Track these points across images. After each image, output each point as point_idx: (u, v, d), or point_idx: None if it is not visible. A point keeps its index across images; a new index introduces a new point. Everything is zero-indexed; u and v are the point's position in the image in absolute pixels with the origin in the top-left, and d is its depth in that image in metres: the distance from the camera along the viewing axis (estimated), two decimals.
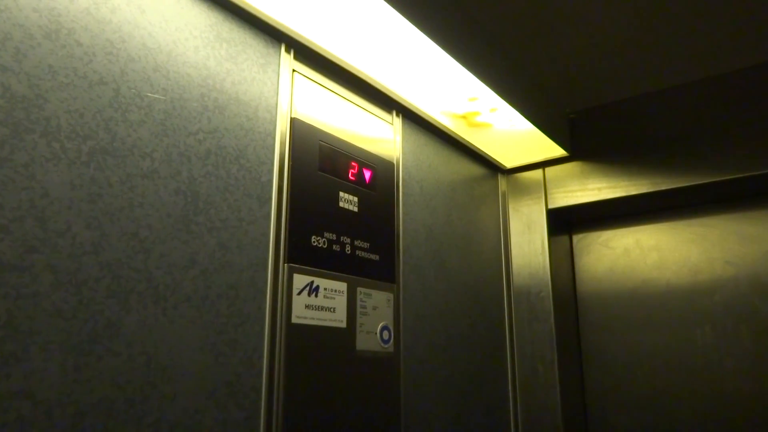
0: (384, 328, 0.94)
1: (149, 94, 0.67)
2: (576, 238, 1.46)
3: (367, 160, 0.97)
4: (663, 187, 1.21)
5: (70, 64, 0.60)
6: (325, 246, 0.86)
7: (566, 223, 1.45)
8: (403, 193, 1.05)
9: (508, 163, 1.39)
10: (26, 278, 0.53)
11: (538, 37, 1.08)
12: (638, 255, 1.37)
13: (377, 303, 0.94)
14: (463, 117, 1.14)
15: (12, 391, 0.51)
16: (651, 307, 1.33)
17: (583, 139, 1.34)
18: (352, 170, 0.94)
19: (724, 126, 1.17)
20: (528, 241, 1.35)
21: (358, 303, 0.90)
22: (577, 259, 1.45)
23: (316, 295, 0.83)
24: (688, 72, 1.20)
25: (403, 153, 1.08)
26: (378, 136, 1.02)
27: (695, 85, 1.23)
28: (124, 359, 0.60)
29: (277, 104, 0.83)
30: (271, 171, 0.81)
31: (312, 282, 0.83)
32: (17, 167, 0.54)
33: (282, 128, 0.83)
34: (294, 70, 0.87)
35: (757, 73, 1.16)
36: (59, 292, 0.56)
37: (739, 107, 1.16)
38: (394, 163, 1.04)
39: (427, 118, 1.13)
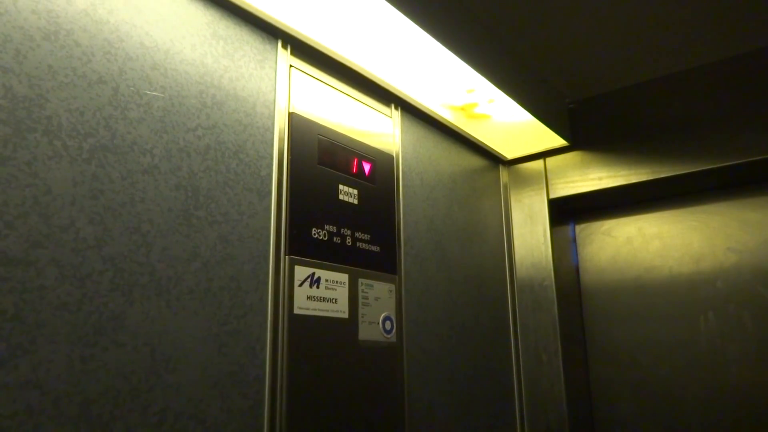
0: (386, 318, 0.96)
1: (148, 92, 0.68)
2: (578, 227, 1.46)
3: (366, 153, 0.99)
4: (664, 175, 1.22)
5: (70, 64, 0.61)
6: (326, 238, 0.87)
7: (568, 212, 1.46)
8: (403, 185, 1.07)
9: (509, 153, 1.39)
10: (31, 272, 0.55)
11: (536, 27, 1.09)
12: (640, 243, 1.37)
13: (379, 294, 0.95)
14: (462, 109, 1.15)
15: (20, 381, 0.53)
16: (654, 295, 1.33)
17: (582, 128, 1.34)
18: (352, 163, 0.95)
19: (724, 112, 1.17)
20: (530, 232, 1.36)
21: (360, 294, 0.92)
22: (579, 249, 1.45)
23: (318, 287, 0.85)
24: (687, 59, 1.20)
25: (403, 146, 1.09)
26: (377, 129, 1.03)
27: (694, 71, 1.23)
28: (129, 350, 0.61)
29: (275, 100, 0.85)
30: (270, 165, 0.82)
31: (313, 273, 0.84)
32: (20, 165, 0.56)
33: (280, 123, 0.85)
34: (291, 66, 0.88)
35: (757, 58, 1.16)
36: (64, 286, 0.57)
37: (739, 93, 1.16)
38: (394, 155, 1.05)
39: (426, 110, 1.13)
